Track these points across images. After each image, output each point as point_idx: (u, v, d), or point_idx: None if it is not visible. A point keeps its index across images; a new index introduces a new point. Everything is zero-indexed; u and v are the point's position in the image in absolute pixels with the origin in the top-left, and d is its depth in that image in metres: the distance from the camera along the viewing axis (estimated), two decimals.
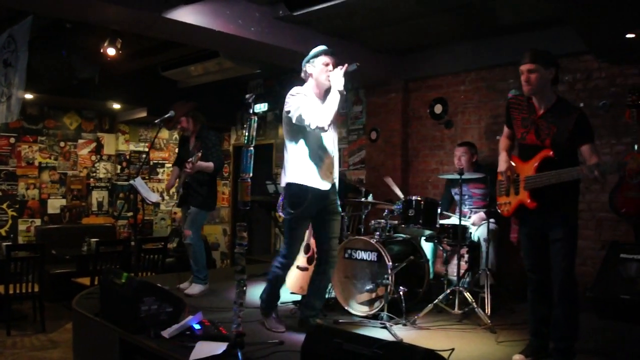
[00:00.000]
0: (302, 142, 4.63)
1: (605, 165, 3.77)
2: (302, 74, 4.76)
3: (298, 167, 4.62)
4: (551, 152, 3.98)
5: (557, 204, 4.03)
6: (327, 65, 4.64)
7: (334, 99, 4.46)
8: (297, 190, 4.60)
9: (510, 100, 4.47)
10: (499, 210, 4.48)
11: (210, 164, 6.11)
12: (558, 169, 3.92)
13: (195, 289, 6.16)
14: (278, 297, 4.96)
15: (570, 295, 3.98)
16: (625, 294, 5.44)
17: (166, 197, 12.36)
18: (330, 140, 4.70)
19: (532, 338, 4.26)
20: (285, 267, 4.87)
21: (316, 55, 4.68)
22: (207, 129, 6.42)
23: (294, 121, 4.51)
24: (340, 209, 4.84)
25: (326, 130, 4.49)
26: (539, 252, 4.22)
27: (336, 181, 4.76)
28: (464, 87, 7.76)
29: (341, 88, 4.49)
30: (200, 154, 5.94)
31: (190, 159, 5.93)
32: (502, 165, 4.35)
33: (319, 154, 4.62)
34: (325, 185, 4.62)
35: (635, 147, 5.77)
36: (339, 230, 4.81)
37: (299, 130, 4.59)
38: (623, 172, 3.67)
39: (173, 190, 10.66)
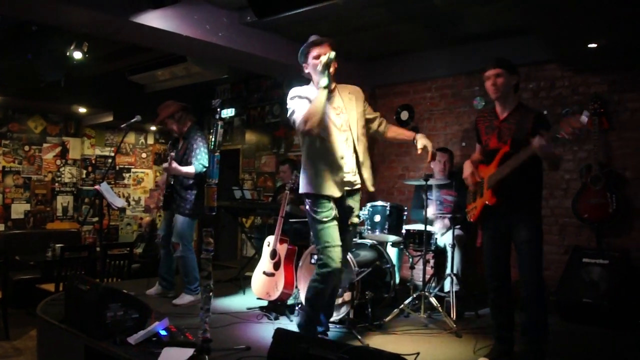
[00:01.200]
0: (307, 146, 4.26)
1: (547, 140, 3.80)
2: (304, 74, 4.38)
3: (307, 175, 4.25)
4: (508, 148, 4.06)
5: (519, 203, 4.11)
6: (318, 57, 4.14)
7: (317, 98, 4.03)
8: (312, 200, 4.22)
9: (478, 115, 4.58)
10: (467, 217, 4.54)
11: (190, 169, 5.86)
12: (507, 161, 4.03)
13: (184, 299, 5.95)
14: (318, 319, 4.48)
15: (539, 297, 4.04)
16: (588, 298, 5.55)
17: (132, 203, 12.27)
18: (341, 142, 4.22)
19: (496, 342, 4.32)
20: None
21: (305, 52, 4.26)
22: (197, 129, 6.17)
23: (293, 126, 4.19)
24: (356, 219, 4.44)
25: (314, 134, 4.07)
26: (500, 257, 4.28)
27: (356, 187, 4.33)
28: (430, 94, 7.84)
29: (324, 83, 4.03)
30: (171, 156, 5.84)
31: (171, 155, 5.85)
32: (465, 171, 4.44)
33: (325, 159, 4.19)
34: (335, 192, 4.18)
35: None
36: (351, 243, 4.50)
37: (302, 135, 4.21)
38: (561, 135, 3.71)
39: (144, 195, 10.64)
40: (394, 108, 8.16)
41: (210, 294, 3.80)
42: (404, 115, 8.02)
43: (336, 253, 4.13)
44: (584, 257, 5.88)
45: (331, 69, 4.08)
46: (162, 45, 6.71)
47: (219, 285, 6.81)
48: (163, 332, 4.31)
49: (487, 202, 4.18)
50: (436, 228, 6.16)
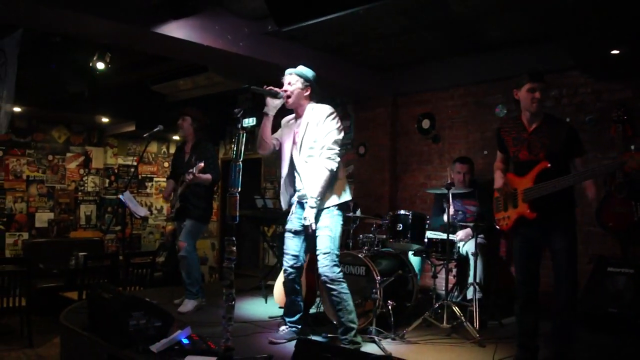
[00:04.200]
0: None
1: (604, 165, 3.89)
2: None
3: None
4: (548, 164, 4.11)
5: (555, 214, 4.16)
6: (284, 84, 4.80)
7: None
8: None
9: (499, 127, 4.61)
10: (497, 226, 4.56)
11: (209, 176, 6.02)
12: (555, 178, 4.05)
13: (188, 305, 6.00)
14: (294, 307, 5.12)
15: (573, 305, 4.12)
16: (613, 308, 5.47)
17: (154, 212, 12.33)
18: (296, 162, 4.80)
19: (519, 350, 4.30)
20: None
21: None
22: (204, 141, 6.34)
23: None
24: (305, 222, 4.60)
25: (261, 154, 5.03)
26: (532, 265, 4.30)
27: (295, 199, 4.88)
28: (452, 102, 7.81)
29: (266, 109, 4.77)
30: (202, 165, 5.83)
31: (192, 170, 5.85)
32: (498, 182, 4.50)
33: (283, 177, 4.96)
34: (284, 206, 5.00)
35: (632, 146, 5.82)
36: (320, 245, 4.64)
37: None
38: (622, 171, 3.97)
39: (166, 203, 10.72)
40: (416, 116, 8.14)
41: (233, 302, 3.80)
42: (426, 123, 7.99)
43: (284, 260, 4.94)
44: (608, 266, 5.79)
45: (270, 100, 4.73)
46: (183, 55, 6.76)
47: (241, 294, 6.83)
48: (185, 341, 4.31)
49: (524, 215, 4.21)
50: (459, 237, 6.12)
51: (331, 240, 4.62)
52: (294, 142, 4.81)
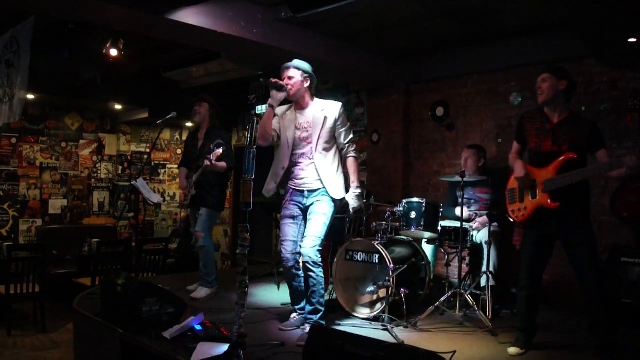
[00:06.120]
0: None
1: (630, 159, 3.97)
2: None
3: None
4: (575, 155, 4.19)
5: (574, 206, 4.24)
6: (284, 79, 4.95)
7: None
8: None
9: (523, 115, 4.68)
10: (510, 218, 4.62)
11: (224, 164, 6.01)
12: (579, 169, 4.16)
13: (201, 292, 6.06)
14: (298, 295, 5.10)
15: (603, 294, 4.22)
16: (627, 298, 5.44)
17: (167, 198, 12.36)
18: (297, 153, 5.03)
19: (520, 333, 4.49)
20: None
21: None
22: (218, 128, 6.36)
23: None
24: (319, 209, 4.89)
25: (261, 146, 4.81)
26: (542, 259, 4.43)
27: (313, 189, 4.93)
28: (466, 90, 7.75)
29: (271, 102, 4.86)
30: (220, 151, 5.84)
31: (209, 156, 5.83)
32: (520, 171, 4.47)
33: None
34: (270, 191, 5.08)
35: None
36: (313, 229, 4.81)
37: None
38: None
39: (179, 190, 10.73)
40: (429, 104, 8.09)
41: (246, 289, 3.80)
42: (440, 111, 7.94)
43: (283, 247, 4.93)
44: (622, 256, 5.74)
45: (275, 93, 4.82)
46: (196, 42, 6.73)
47: (253, 280, 6.83)
48: (198, 327, 4.33)
49: (544, 206, 4.27)
50: (475, 226, 6.10)
51: (324, 226, 4.84)
52: (304, 134, 4.99)
